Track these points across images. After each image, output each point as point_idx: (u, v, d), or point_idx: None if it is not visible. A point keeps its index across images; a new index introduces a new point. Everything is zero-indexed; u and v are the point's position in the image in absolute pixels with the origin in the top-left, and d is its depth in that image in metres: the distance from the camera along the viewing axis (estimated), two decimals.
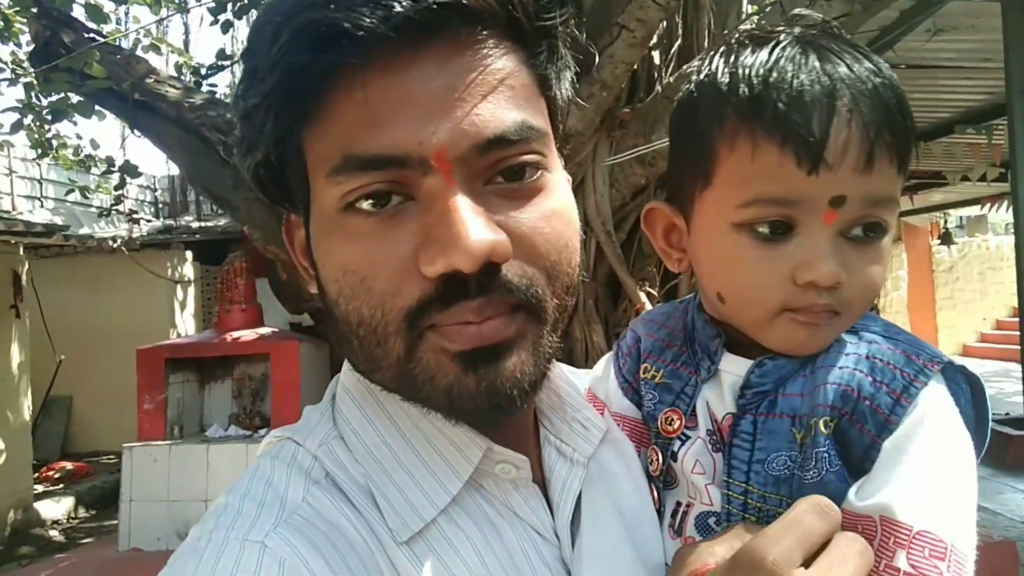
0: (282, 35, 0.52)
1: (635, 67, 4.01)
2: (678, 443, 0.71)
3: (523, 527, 0.64)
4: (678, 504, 0.71)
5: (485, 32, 0.56)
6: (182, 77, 5.98)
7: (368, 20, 0.50)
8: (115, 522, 5.70)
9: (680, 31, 4.49)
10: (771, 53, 0.65)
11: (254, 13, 5.87)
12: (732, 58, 0.67)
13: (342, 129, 0.54)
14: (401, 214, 0.56)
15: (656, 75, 4.43)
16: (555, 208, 0.60)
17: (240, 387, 5.37)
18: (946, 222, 14.77)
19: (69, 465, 8.63)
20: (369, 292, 0.56)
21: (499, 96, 0.56)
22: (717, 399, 0.71)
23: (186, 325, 10.34)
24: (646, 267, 4.23)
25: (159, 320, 9.78)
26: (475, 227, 0.53)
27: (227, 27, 5.50)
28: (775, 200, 0.64)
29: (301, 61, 0.52)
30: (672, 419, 0.72)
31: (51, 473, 8.43)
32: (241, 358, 5.34)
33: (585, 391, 0.79)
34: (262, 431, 5.11)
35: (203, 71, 6.42)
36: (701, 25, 4.42)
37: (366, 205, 0.56)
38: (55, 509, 7.52)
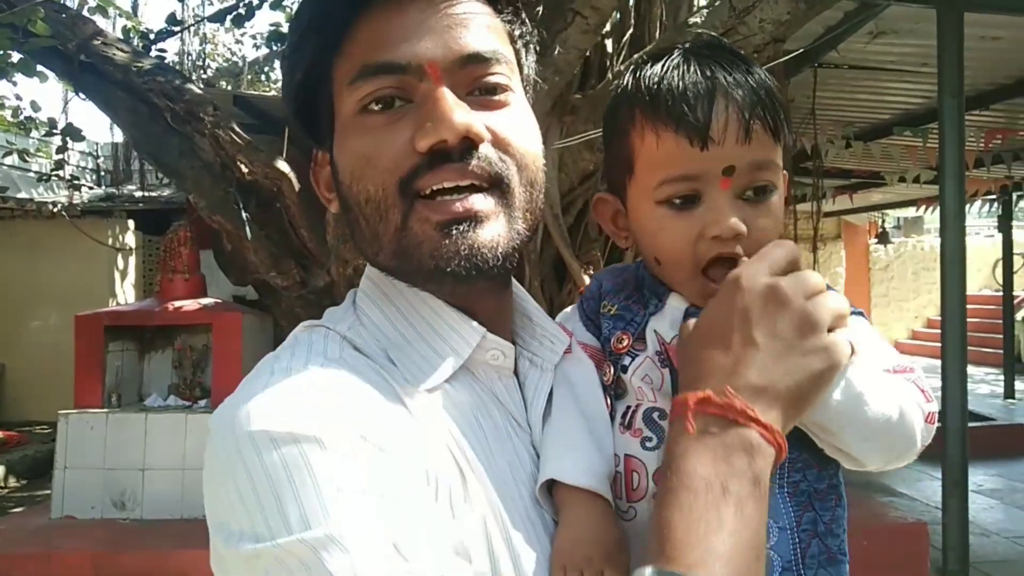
0: None
1: (587, 54, 4.08)
2: (628, 359, 0.86)
3: (505, 412, 0.79)
4: (627, 407, 0.85)
5: None
6: (130, 41, 5.85)
7: None
8: (47, 492, 5.61)
9: (633, 20, 4.59)
10: (663, 65, 0.83)
11: None
12: (638, 72, 0.86)
13: (361, 50, 0.72)
14: (402, 112, 0.72)
15: (608, 63, 4.52)
16: (521, 118, 0.77)
17: (181, 357, 5.31)
18: (884, 222, 15.23)
19: (0, 434, 8.43)
20: (374, 170, 0.72)
21: (477, 29, 0.73)
22: (666, 327, 0.86)
23: (126, 295, 10.15)
24: (591, 251, 4.33)
25: (98, 289, 9.59)
26: (456, 109, 0.70)
27: None
28: (680, 177, 0.80)
29: (341, 4, 0.71)
30: (622, 339, 0.87)
31: None
32: (182, 328, 5.28)
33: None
34: (202, 402, 5.08)
35: (152, 36, 6.29)
36: (653, 15, 4.51)
37: (376, 107, 0.73)
38: None
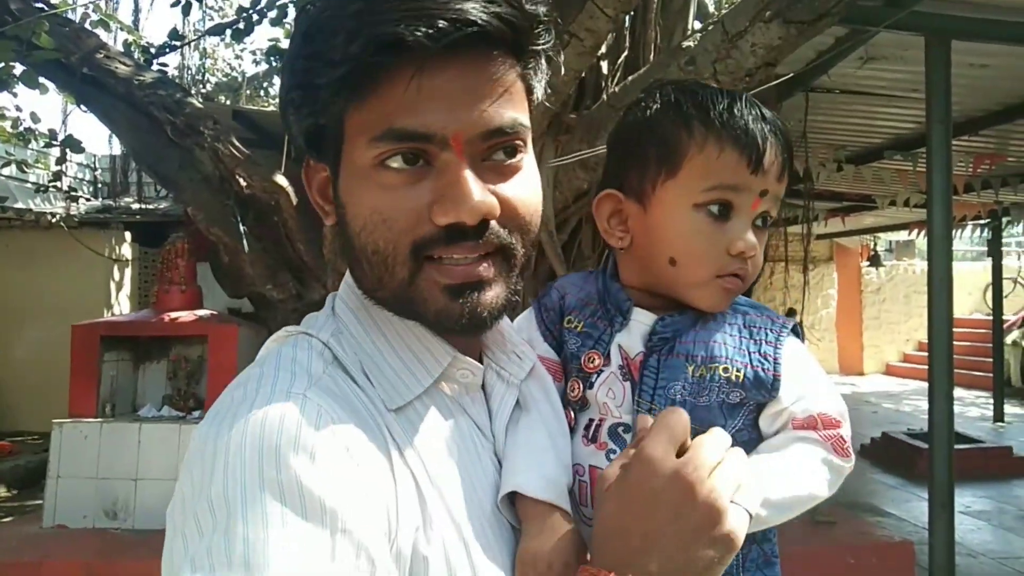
0: (358, 37, 0.70)
1: (583, 75, 4.15)
2: (595, 376, 0.94)
3: (471, 423, 0.84)
4: (591, 420, 0.93)
5: (496, 50, 0.75)
6: (131, 55, 5.92)
7: (421, 34, 0.68)
8: (37, 502, 5.60)
9: (628, 43, 4.66)
10: (727, 97, 0.95)
11: None
12: (698, 96, 0.95)
13: (388, 108, 0.73)
14: (421, 173, 0.75)
15: (603, 84, 4.59)
16: (530, 183, 0.82)
17: (176, 368, 5.33)
18: (875, 245, 15.33)
19: None
20: (389, 230, 0.75)
21: (500, 99, 0.75)
22: (629, 342, 0.95)
23: (121, 306, 10.15)
24: (585, 267, 4.37)
25: (94, 300, 9.59)
26: (478, 193, 0.74)
27: (187, 9, 5.48)
28: (728, 186, 0.92)
29: (371, 60, 0.70)
30: (593, 358, 0.95)
31: None
32: (178, 339, 5.31)
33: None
34: (196, 413, 5.10)
35: (152, 50, 6.36)
36: (648, 38, 4.59)
37: (395, 164, 0.75)
38: None
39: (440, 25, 0.68)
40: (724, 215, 0.92)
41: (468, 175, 0.74)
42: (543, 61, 0.82)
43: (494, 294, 0.79)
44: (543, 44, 0.80)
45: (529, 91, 0.82)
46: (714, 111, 0.93)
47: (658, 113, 0.97)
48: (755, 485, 0.76)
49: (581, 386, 0.94)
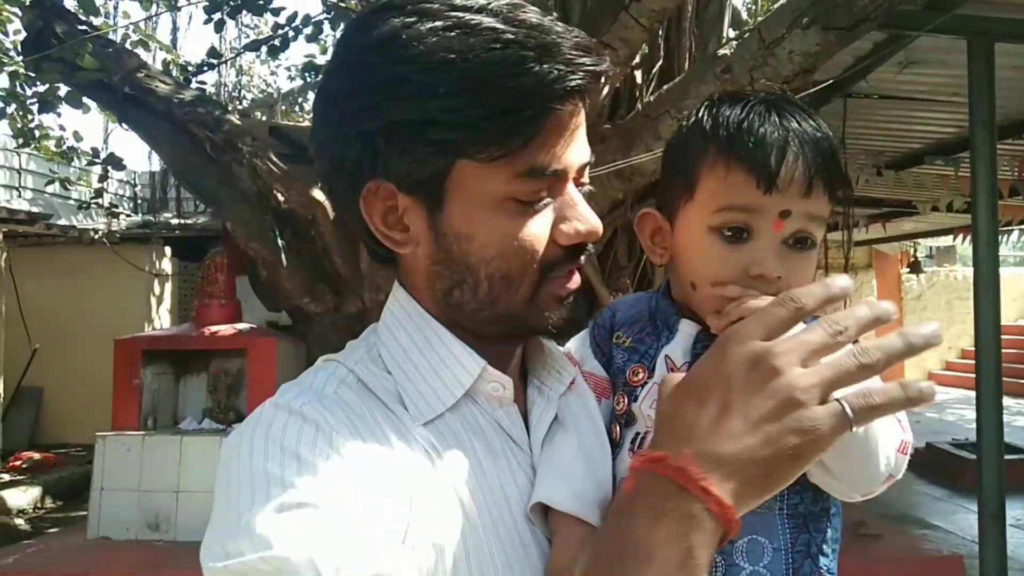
0: (544, 83, 0.76)
1: (617, 85, 4.14)
2: (641, 391, 0.91)
3: (504, 436, 0.85)
4: (637, 434, 0.90)
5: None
6: (170, 73, 6.03)
7: (583, 84, 0.77)
8: (82, 513, 5.70)
9: (662, 53, 4.64)
10: (744, 108, 0.89)
11: (246, 13, 5.95)
12: (715, 110, 0.92)
13: (532, 148, 0.78)
14: (543, 205, 0.82)
15: (637, 94, 4.57)
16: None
17: (216, 381, 5.40)
18: (916, 251, 15.07)
19: (37, 455, 8.58)
20: (524, 254, 0.81)
21: (585, 137, 0.85)
22: (678, 352, 0.93)
23: (161, 320, 10.32)
24: (620, 278, 4.36)
25: (135, 314, 9.76)
26: (592, 215, 0.84)
27: (220, 26, 5.57)
28: (739, 207, 0.86)
29: (550, 105, 0.77)
30: (638, 372, 0.94)
31: (18, 463, 8.38)
32: (218, 353, 5.37)
33: (566, 352, 1.01)
34: (236, 426, 5.14)
35: (191, 69, 6.47)
36: (683, 48, 4.57)
37: (524, 198, 0.80)
38: (21, 498, 7.49)
39: (586, 78, 0.78)
40: (740, 238, 0.86)
41: (582, 200, 0.84)
42: None
43: (578, 300, 0.88)
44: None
45: None
46: (724, 125, 0.89)
47: (687, 130, 0.95)
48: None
49: (626, 400, 0.92)
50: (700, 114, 0.94)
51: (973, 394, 3.87)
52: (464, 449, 0.81)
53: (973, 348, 3.92)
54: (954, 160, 6.37)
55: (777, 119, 0.87)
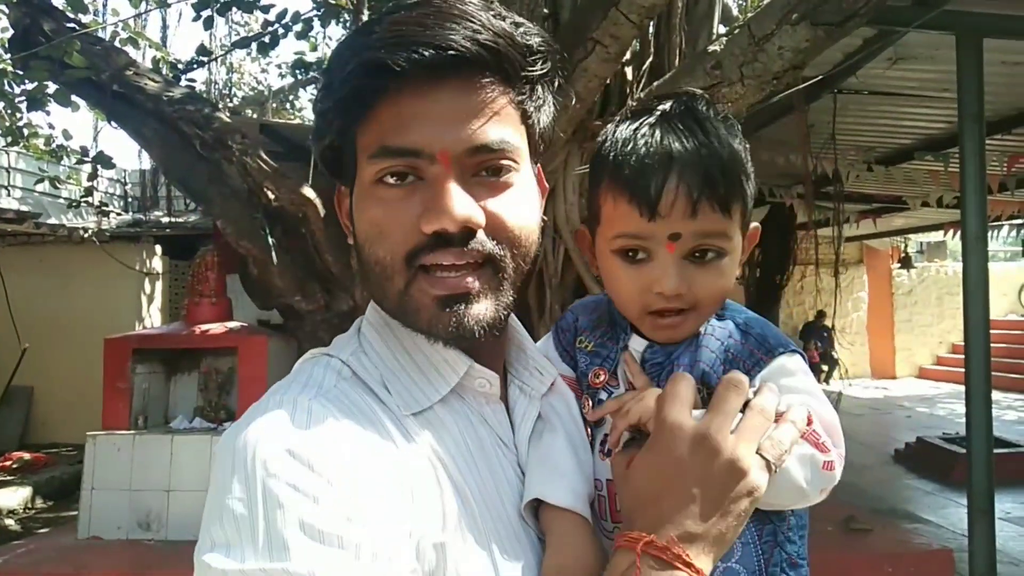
0: (350, 64, 0.78)
1: (608, 81, 4.14)
2: (604, 394, 0.95)
3: (492, 432, 0.87)
4: (605, 435, 0.92)
5: (485, 76, 0.80)
6: (160, 71, 5.99)
7: (403, 61, 0.75)
8: (72, 513, 5.67)
9: (652, 49, 4.64)
10: (633, 129, 0.91)
11: (235, 11, 5.92)
12: (613, 130, 0.94)
13: (383, 128, 0.79)
14: (413, 188, 0.80)
15: (628, 90, 4.57)
16: (519, 199, 0.85)
17: (207, 380, 5.37)
18: (906, 246, 15.13)
19: (27, 455, 8.54)
20: (385, 241, 0.81)
21: (487, 120, 0.80)
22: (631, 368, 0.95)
23: (152, 319, 10.28)
24: None
25: (125, 313, 9.73)
26: (459, 202, 0.78)
27: (209, 23, 5.54)
28: (630, 235, 0.90)
29: (360, 83, 0.78)
30: (599, 374, 0.97)
31: (8, 463, 8.34)
32: (209, 351, 5.34)
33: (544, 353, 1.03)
34: (227, 424, 5.13)
35: (180, 66, 6.43)
36: (673, 44, 4.57)
37: (390, 179, 0.81)
38: (12, 498, 7.45)
39: (422, 51, 0.75)
40: (641, 259, 0.91)
41: (452, 186, 0.78)
42: (542, 88, 0.87)
43: (482, 307, 0.82)
44: (538, 72, 0.84)
45: (525, 116, 0.86)
46: (613, 149, 0.92)
47: (596, 151, 0.98)
48: (778, 433, 0.78)
49: (591, 403, 0.95)
50: (605, 130, 0.97)
51: (963, 388, 3.89)
52: (457, 443, 0.82)
53: (963, 343, 3.93)
54: (944, 155, 6.39)
55: (660, 140, 0.89)
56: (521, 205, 0.84)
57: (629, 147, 0.90)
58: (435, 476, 0.78)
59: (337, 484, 0.70)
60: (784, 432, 0.79)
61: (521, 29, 0.82)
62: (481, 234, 0.81)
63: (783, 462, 0.78)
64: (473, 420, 0.86)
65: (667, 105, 0.94)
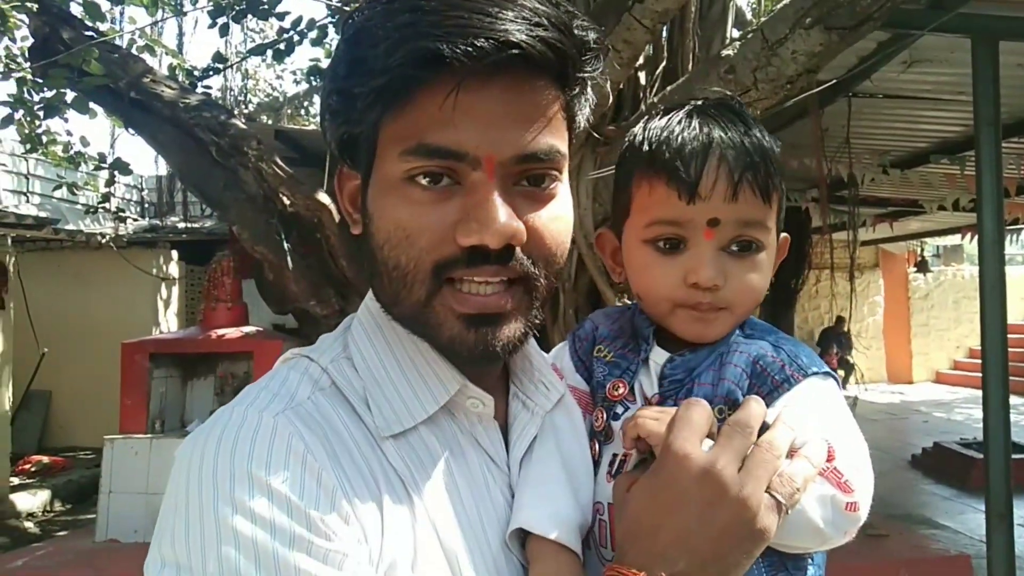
0: (398, 50, 0.69)
1: (621, 86, 4.14)
2: (620, 408, 0.90)
3: (483, 454, 0.81)
4: (615, 455, 0.87)
5: (539, 75, 0.73)
6: (176, 78, 6.05)
7: (460, 52, 0.67)
8: (90, 516, 5.72)
9: (666, 53, 4.64)
10: (667, 120, 0.90)
11: (251, 18, 5.97)
12: (645, 124, 0.93)
13: (421, 123, 0.71)
14: (449, 192, 0.73)
15: (641, 95, 4.57)
16: (560, 213, 0.79)
17: (223, 384, 5.42)
18: (923, 250, 15.03)
19: (46, 459, 8.63)
20: (412, 247, 0.73)
21: (538, 125, 0.73)
22: (647, 383, 0.91)
23: (169, 323, 10.35)
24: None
25: (142, 318, 9.80)
26: (504, 215, 0.71)
27: (225, 31, 5.59)
28: (666, 221, 0.87)
29: (407, 72, 0.69)
30: (618, 386, 0.91)
31: (27, 466, 8.42)
32: (225, 356, 5.40)
33: (552, 364, 0.97)
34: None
35: (196, 73, 6.49)
36: (686, 48, 4.57)
37: (423, 180, 0.73)
38: (31, 501, 7.52)
39: (481, 44, 0.67)
40: (676, 249, 0.87)
41: (496, 197, 0.71)
42: (589, 89, 0.80)
43: (511, 329, 0.76)
44: (590, 72, 0.77)
45: (571, 119, 0.80)
46: (648, 139, 0.89)
47: (625, 147, 0.96)
48: (792, 470, 0.71)
49: (605, 416, 0.89)
50: (635, 129, 0.95)
51: (980, 393, 3.86)
52: (439, 469, 0.76)
53: (980, 347, 3.91)
54: (960, 159, 6.34)
55: (699, 127, 0.87)
56: (560, 220, 0.78)
57: (666, 134, 0.87)
58: (409, 509, 0.72)
59: (296, 514, 0.65)
60: (797, 469, 0.72)
61: (576, 22, 0.74)
62: (519, 251, 0.74)
63: (796, 502, 0.71)
64: (462, 441, 0.80)
65: (699, 102, 0.92)
